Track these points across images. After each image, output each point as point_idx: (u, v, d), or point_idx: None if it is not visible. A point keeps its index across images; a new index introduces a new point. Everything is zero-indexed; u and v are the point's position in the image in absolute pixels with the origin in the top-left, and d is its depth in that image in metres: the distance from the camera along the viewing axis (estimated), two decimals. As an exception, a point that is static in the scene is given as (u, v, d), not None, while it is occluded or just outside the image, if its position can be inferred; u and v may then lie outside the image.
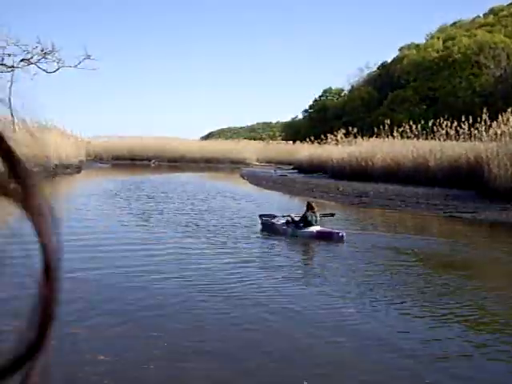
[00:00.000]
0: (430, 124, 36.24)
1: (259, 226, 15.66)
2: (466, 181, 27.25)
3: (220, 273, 10.37)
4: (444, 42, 72.90)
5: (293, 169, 56.15)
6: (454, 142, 32.87)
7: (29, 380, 0.48)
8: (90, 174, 44.32)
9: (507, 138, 25.88)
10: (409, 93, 70.13)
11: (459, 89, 63.87)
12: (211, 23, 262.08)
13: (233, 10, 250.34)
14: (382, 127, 41.01)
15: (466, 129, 32.86)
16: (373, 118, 66.65)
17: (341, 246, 13.56)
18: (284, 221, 15.30)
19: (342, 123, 66.12)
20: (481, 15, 79.61)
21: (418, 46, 79.37)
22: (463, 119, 33.25)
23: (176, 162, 66.20)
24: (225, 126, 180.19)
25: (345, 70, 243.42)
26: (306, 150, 56.45)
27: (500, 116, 29.09)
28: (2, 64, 32.00)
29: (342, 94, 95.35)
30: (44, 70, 34.69)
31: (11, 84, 34.23)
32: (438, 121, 35.39)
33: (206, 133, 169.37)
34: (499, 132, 27.65)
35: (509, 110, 28.30)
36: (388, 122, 40.46)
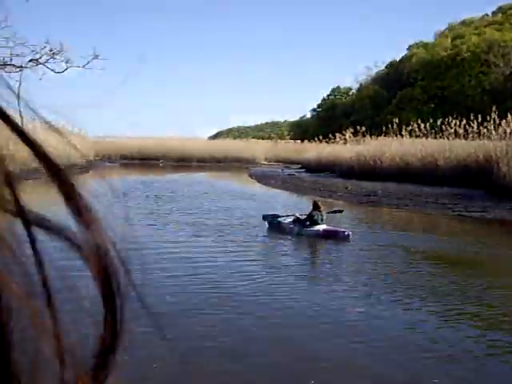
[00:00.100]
0: (438, 123, 36.07)
1: (266, 225, 15.64)
2: (475, 180, 27.09)
3: (227, 271, 10.37)
4: (453, 40, 72.57)
5: (301, 168, 56.01)
6: (463, 141, 32.74)
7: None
8: (98, 174, 44.25)
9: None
10: (417, 91, 69.85)
11: (468, 87, 63.57)
12: (217, 22, 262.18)
13: (240, 7, 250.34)
14: (390, 126, 40.86)
15: (475, 127, 32.71)
16: (381, 116, 66.38)
17: (348, 244, 13.53)
18: (291, 220, 15.30)
19: (351, 122, 65.92)
20: (489, 13, 79.24)
21: (426, 44, 79.04)
22: (472, 118, 33.10)
23: (184, 162, 66.15)
24: (233, 126, 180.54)
25: (353, 68, 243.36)
26: (314, 150, 56.35)
27: (509, 114, 29.05)
28: (10, 64, 32.06)
29: (351, 93, 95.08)
30: (52, 70, 34.68)
31: (20, 84, 34.35)
32: (446, 119, 35.26)
33: (214, 132, 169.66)
34: (508, 130, 27.60)
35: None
36: (396, 120, 40.32)
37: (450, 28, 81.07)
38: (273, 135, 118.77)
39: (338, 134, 53.34)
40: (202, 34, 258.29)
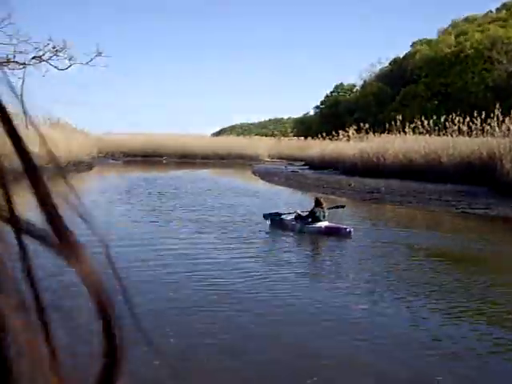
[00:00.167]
0: (442, 120, 36.01)
1: (268, 222, 15.64)
2: (478, 177, 27.05)
3: (228, 267, 10.38)
4: (456, 37, 72.40)
5: (304, 165, 56.01)
6: (467, 138, 32.66)
7: None
8: (101, 170, 44.39)
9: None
10: (421, 88, 69.75)
11: (471, 84, 63.44)
12: (218, 21, 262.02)
13: (240, 7, 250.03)
14: (393, 123, 40.81)
15: (479, 124, 32.65)
16: (385, 113, 66.31)
17: (351, 241, 13.52)
18: (292, 217, 15.33)
19: (354, 119, 65.93)
20: (493, 10, 79.04)
21: (430, 41, 78.87)
22: (475, 115, 33.03)
23: (187, 159, 66.14)
24: (236, 123, 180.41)
25: (356, 65, 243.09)
26: (317, 147, 56.30)
27: (513, 111, 28.93)
28: (13, 61, 32.08)
29: (354, 90, 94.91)
30: (55, 67, 34.72)
31: (23, 81, 34.40)
32: (450, 116, 35.21)
33: (217, 129, 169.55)
34: (512, 127, 27.52)
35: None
36: (400, 117, 40.22)
37: (454, 25, 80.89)
38: (276, 132, 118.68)
39: (341, 131, 53.29)
40: (203, 33, 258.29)
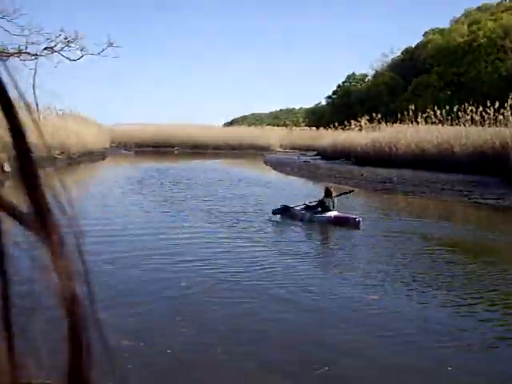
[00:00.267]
0: (454, 109, 35.87)
1: (278, 218, 15.58)
2: (491, 167, 26.91)
3: (238, 257, 10.43)
4: (469, 26, 71.89)
5: (316, 155, 55.91)
6: (479, 128, 32.48)
7: None
8: (114, 160, 44.56)
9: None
10: (433, 78, 69.38)
11: (484, 73, 63.04)
12: (225, 11, 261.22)
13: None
14: (406, 113, 40.66)
15: (492, 114, 32.48)
16: (397, 103, 66.06)
17: (362, 231, 13.50)
18: (302, 207, 15.36)
19: (366, 109, 65.61)
20: (507, -1, 78.51)
21: (442, 30, 78.35)
22: (488, 104, 32.86)
23: (199, 149, 66.23)
24: (248, 113, 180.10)
25: (368, 55, 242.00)
26: (329, 136, 56.19)
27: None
28: (25, 52, 32.21)
29: (366, 80, 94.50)
30: (67, 58, 34.87)
31: (35, 72, 34.54)
32: (462, 106, 35.05)
33: (229, 119, 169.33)
34: (525, 117, 27.37)
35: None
36: (412, 107, 40.02)
37: (467, 14, 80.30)
38: (288, 122, 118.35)
39: (353, 121, 53.09)
40: (212, 21, 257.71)
